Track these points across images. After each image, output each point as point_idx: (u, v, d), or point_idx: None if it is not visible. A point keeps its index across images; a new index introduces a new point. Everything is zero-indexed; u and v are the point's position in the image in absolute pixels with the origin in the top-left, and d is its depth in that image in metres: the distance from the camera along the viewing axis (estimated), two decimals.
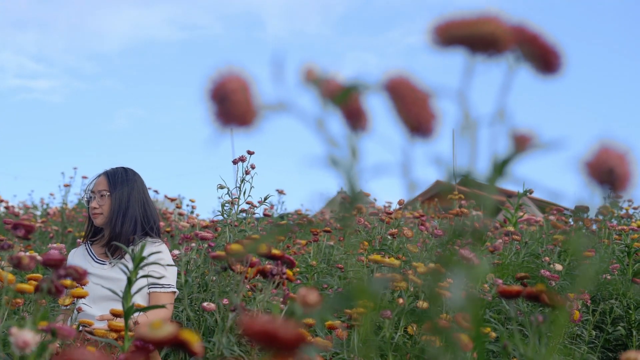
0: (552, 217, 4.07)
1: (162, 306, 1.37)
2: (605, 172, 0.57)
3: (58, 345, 1.57)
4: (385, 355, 1.78)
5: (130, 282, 1.27)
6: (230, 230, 2.75)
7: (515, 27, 0.58)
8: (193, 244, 2.50)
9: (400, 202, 3.65)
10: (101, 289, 2.19)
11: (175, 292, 2.27)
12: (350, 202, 0.65)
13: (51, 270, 1.15)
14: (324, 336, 1.88)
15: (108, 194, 2.36)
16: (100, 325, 1.88)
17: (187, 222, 4.08)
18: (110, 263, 2.31)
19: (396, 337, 1.89)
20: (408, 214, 4.78)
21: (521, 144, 0.62)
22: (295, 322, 0.57)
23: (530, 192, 3.28)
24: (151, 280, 2.19)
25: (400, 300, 1.90)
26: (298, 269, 3.03)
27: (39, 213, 6.79)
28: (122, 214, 2.33)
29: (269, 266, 1.52)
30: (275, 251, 1.50)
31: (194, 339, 0.73)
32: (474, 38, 0.56)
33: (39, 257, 1.38)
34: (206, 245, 2.53)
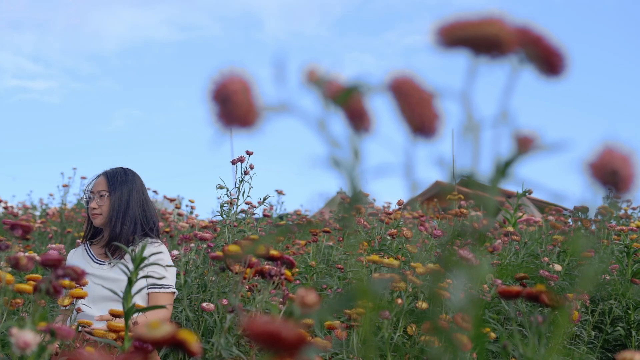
0: (551, 218, 4.07)
1: (162, 306, 1.37)
2: (609, 174, 0.57)
3: (57, 345, 1.57)
4: (384, 356, 1.78)
5: (130, 283, 1.27)
6: (230, 231, 2.74)
7: (519, 29, 0.58)
8: (192, 245, 2.49)
9: (399, 203, 3.65)
10: (100, 290, 2.18)
11: (174, 292, 2.27)
12: (350, 202, 0.64)
13: (50, 271, 1.15)
14: (323, 336, 1.88)
15: (107, 194, 2.36)
16: (99, 326, 1.87)
17: (186, 223, 4.07)
18: (109, 263, 2.31)
19: (395, 337, 1.89)
20: (407, 214, 4.78)
21: (524, 145, 0.62)
22: (294, 322, 0.56)
23: (530, 192, 3.28)
24: (151, 280, 2.19)
25: (399, 301, 1.90)
26: (297, 270, 3.03)
27: (38, 213, 6.78)
28: (122, 214, 2.33)
29: (267, 267, 1.51)
30: (273, 252, 1.50)
31: (191, 339, 0.73)
32: (478, 39, 0.56)
33: (37, 258, 1.37)
34: (205, 246, 2.53)
